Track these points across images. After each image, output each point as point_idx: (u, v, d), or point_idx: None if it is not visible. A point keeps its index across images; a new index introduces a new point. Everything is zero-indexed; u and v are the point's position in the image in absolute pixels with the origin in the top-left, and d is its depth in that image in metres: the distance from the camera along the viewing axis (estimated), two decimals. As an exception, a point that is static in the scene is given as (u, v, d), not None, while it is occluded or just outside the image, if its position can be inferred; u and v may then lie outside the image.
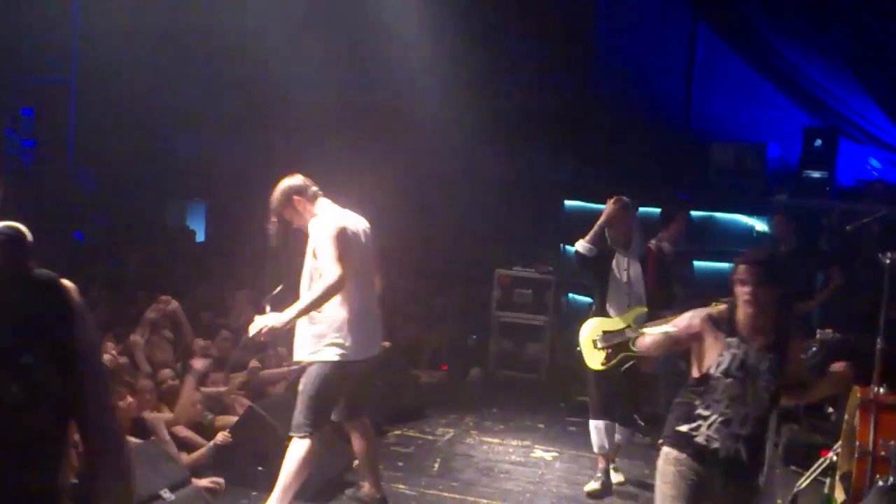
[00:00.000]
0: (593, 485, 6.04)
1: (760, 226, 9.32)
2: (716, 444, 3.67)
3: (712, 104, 10.17)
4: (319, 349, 4.91)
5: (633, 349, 5.41)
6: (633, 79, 10.45)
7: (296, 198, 4.98)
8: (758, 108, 9.90)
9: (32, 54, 12.03)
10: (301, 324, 4.90)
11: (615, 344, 5.65)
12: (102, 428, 2.20)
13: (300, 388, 4.98)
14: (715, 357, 3.71)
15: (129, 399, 5.48)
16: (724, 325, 3.74)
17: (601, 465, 6.07)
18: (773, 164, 9.59)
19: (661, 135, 10.12)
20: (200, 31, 11.22)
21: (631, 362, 5.66)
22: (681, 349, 4.03)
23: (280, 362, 7.20)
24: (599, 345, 5.73)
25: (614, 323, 5.76)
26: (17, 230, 2.19)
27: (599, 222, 5.92)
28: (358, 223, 5.14)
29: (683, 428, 3.77)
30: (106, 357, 5.67)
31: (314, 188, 5.06)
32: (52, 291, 2.11)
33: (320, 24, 10.88)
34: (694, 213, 9.37)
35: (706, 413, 3.71)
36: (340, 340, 4.90)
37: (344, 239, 4.84)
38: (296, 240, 5.18)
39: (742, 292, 3.67)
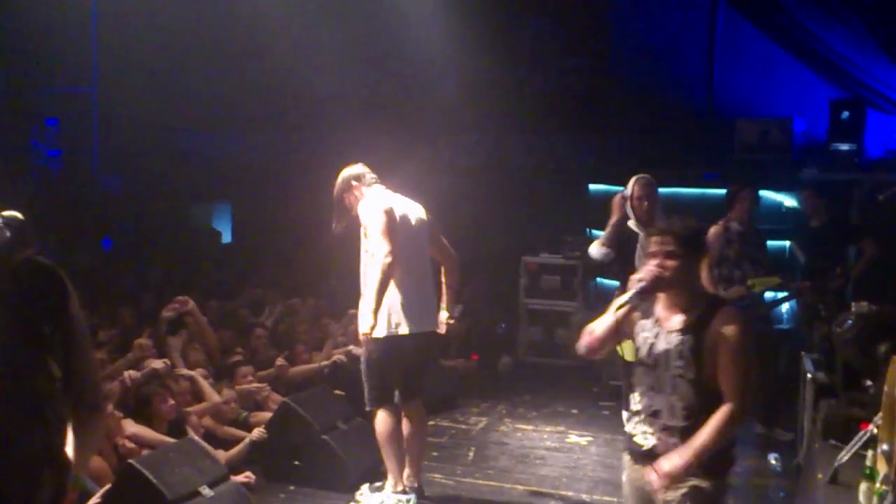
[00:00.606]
0: None
1: (789, 201, 9.21)
2: (651, 441, 3.38)
3: (735, 80, 10.04)
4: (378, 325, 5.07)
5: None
6: (654, 59, 10.34)
7: (354, 183, 5.24)
8: (782, 82, 9.76)
9: (53, 64, 12.14)
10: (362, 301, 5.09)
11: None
12: (89, 385, 2.50)
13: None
14: (635, 343, 3.43)
15: (171, 401, 5.52)
16: (646, 305, 3.41)
17: None
18: (799, 138, 9.45)
19: (684, 114, 10.02)
20: (218, 34, 11.27)
21: None
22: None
23: (309, 359, 7.23)
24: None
25: None
26: (19, 219, 2.45)
27: (611, 222, 5.87)
28: (410, 207, 5.33)
29: (627, 427, 3.51)
30: (157, 364, 5.74)
31: (371, 175, 5.32)
32: (52, 274, 2.43)
33: (337, 19, 10.87)
34: (721, 190, 9.32)
35: (637, 407, 3.45)
36: (388, 317, 5.05)
37: (389, 218, 5.05)
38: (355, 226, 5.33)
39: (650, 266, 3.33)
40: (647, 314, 3.41)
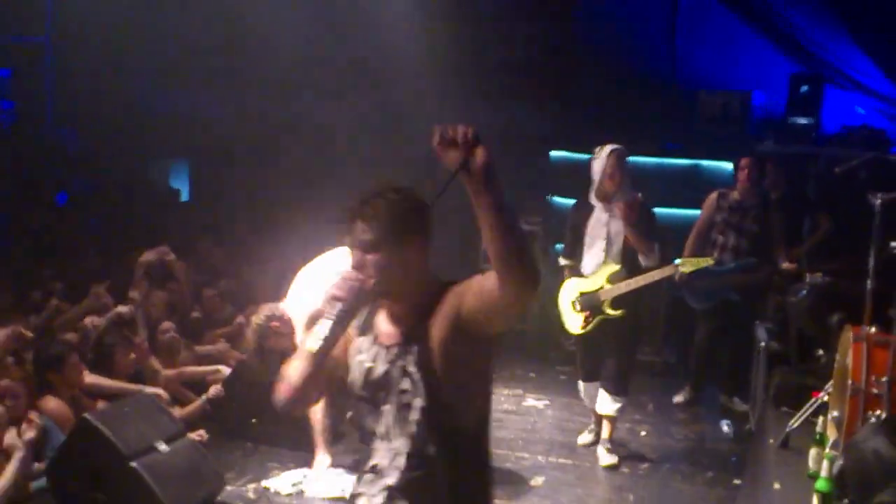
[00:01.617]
0: (586, 436, 6.03)
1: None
2: None
3: (698, 52, 10.07)
4: None
5: (610, 311, 5.43)
6: (617, 28, 10.33)
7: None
8: (744, 55, 9.81)
9: (6, 12, 11.80)
10: None
11: (591, 306, 5.50)
12: None
13: None
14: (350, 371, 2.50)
15: (132, 354, 5.49)
16: (363, 317, 2.50)
17: (593, 416, 5.99)
18: (758, 111, 9.57)
19: (647, 84, 10.04)
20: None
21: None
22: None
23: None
24: (577, 307, 5.57)
25: (590, 283, 5.56)
26: None
27: (570, 225, 5.74)
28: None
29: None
30: (122, 309, 5.71)
31: None
32: None
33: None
34: (680, 160, 9.39)
35: (369, 459, 2.47)
36: None
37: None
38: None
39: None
40: (365, 329, 2.50)
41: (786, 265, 6.96)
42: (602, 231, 5.53)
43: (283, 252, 8.31)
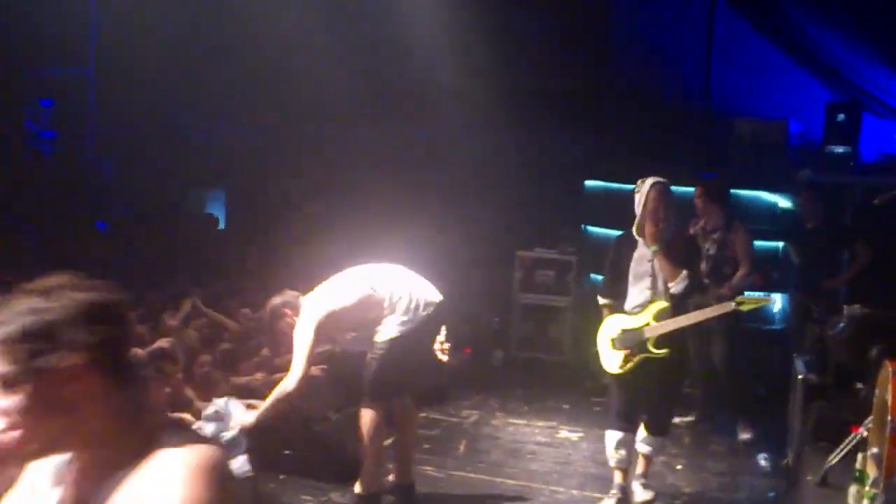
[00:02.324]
0: (607, 502, 5.46)
1: (784, 202, 9.24)
2: None
3: (733, 80, 10.05)
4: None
5: (654, 349, 5.12)
6: (652, 56, 10.35)
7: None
8: (779, 83, 9.77)
9: (51, 44, 12.05)
10: None
11: (634, 344, 5.17)
12: None
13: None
14: None
15: (167, 389, 5.53)
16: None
17: (616, 479, 5.45)
18: (795, 139, 9.49)
19: (681, 112, 10.03)
20: (217, 20, 11.22)
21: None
22: None
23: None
24: (617, 346, 5.23)
25: (633, 321, 5.22)
26: None
27: (611, 261, 5.45)
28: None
29: None
30: (164, 342, 5.77)
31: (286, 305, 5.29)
32: None
33: (335, 8, 10.84)
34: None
35: None
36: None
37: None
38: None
39: None
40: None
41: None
42: (647, 267, 5.23)
43: (318, 277, 8.37)
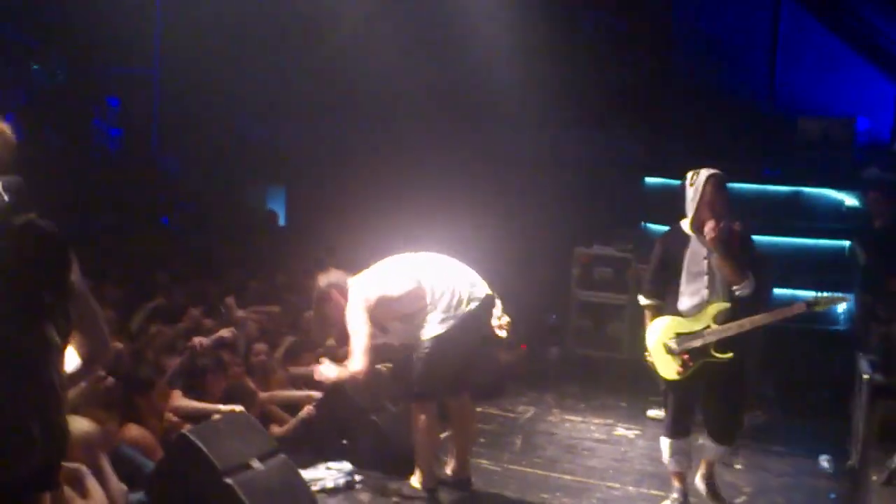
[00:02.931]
0: None
1: (850, 200, 9.05)
2: None
3: (798, 77, 9.88)
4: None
5: (717, 354, 4.80)
6: (714, 52, 10.23)
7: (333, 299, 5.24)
8: (846, 79, 9.59)
9: (117, 44, 12.33)
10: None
11: (693, 349, 4.83)
12: (93, 338, 2.58)
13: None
14: None
15: (225, 378, 5.60)
16: None
17: (675, 484, 5.22)
18: (862, 137, 9.30)
19: (744, 109, 9.89)
20: (280, 19, 11.36)
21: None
22: None
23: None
24: (675, 349, 4.90)
25: (690, 323, 4.89)
26: (19, 181, 2.43)
27: (658, 258, 5.11)
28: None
29: None
30: (226, 332, 5.87)
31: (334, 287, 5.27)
32: (54, 240, 2.42)
33: (400, 8, 10.91)
34: (781, 187, 9.18)
35: None
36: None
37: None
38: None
39: None
40: None
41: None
42: (703, 265, 4.88)
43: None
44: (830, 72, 9.68)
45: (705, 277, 4.87)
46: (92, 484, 4.12)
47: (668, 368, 4.97)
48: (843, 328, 8.55)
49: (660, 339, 4.97)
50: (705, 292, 4.86)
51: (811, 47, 9.87)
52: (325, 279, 5.24)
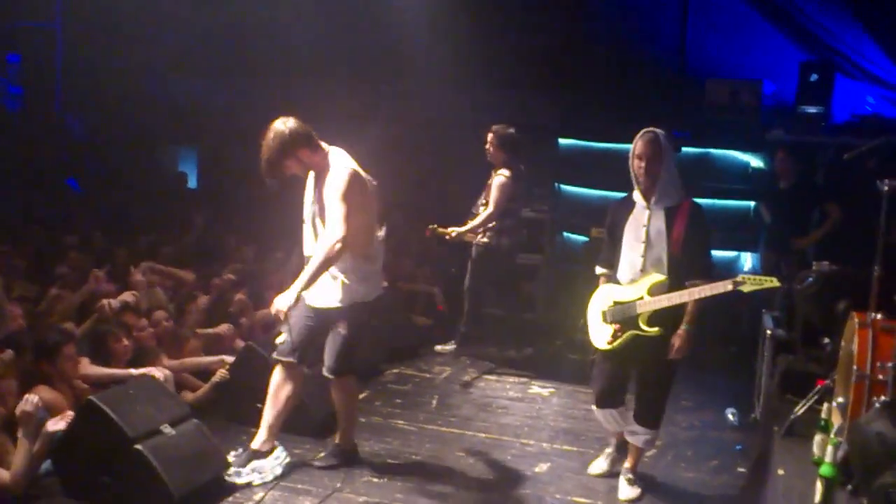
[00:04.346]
0: (601, 463, 5.34)
1: (756, 162, 9.28)
2: None
3: (707, 40, 10.03)
4: (339, 294, 4.85)
5: (645, 327, 4.65)
6: (627, 16, 10.31)
7: (302, 150, 4.75)
8: (754, 44, 9.77)
9: (17, -3, 11.83)
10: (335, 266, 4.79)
11: (624, 318, 4.70)
12: None
13: (331, 333, 4.97)
14: None
15: (125, 342, 5.49)
16: None
17: (611, 440, 5.33)
18: (768, 100, 9.52)
19: (655, 72, 10.02)
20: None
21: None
22: None
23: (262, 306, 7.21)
24: (608, 319, 4.78)
25: (628, 293, 4.72)
26: None
27: (607, 226, 4.91)
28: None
29: None
30: (127, 296, 5.74)
31: (312, 132, 4.83)
32: None
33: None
34: (690, 149, 9.35)
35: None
36: (355, 284, 4.87)
37: (354, 192, 4.70)
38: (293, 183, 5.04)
39: None
40: None
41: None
42: (641, 233, 4.68)
43: (286, 238, 8.33)
44: (738, 36, 9.85)
45: (641, 245, 4.68)
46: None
47: (600, 337, 4.87)
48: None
49: (598, 307, 4.87)
50: (640, 261, 4.68)
51: (721, 12, 10.01)
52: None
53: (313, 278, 4.65)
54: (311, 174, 4.92)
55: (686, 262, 4.60)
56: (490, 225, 7.29)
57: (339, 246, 4.60)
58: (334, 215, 4.64)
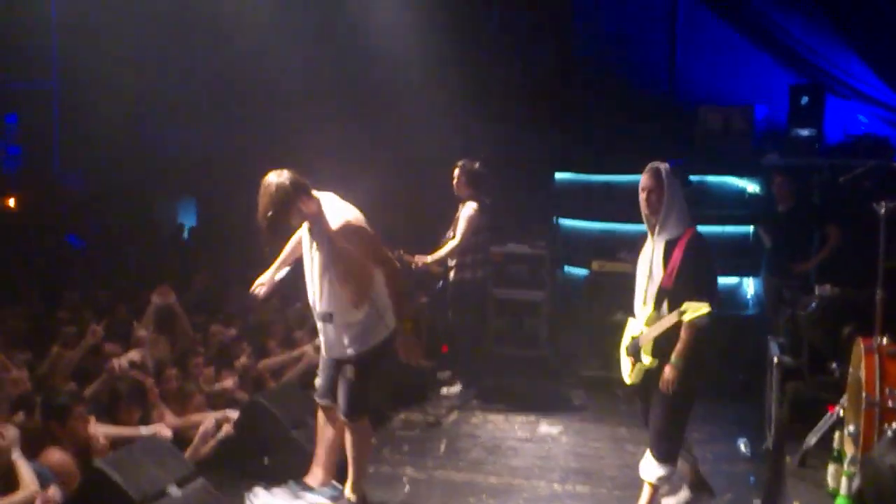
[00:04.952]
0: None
1: (752, 186, 9.29)
2: None
3: (697, 67, 10.10)
4: (347, 342, 4.91)
5: (643, 360, 4.72)
6: (616, 46, 10.39)
7: (303, 200, 4.71)
8: (743, 68, 9.84)
9: (12, 58, 11.91)
10: (343, 319, 4.86)
11: (636, 352, 4.78)
12: None
13: (341, 378, 5.00)
14: None
15: (141, 400, 5.44)
16: None
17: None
18: (761, 124, 9.56)
19: (646, 101, 10.07)
20: (181, 29, 11.13)
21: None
22: None
23: (276, 352, 7.18)
24: (628, 353, 4.88)
25: (637, 326, 4.84)
26: None
27: None
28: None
29: None
30: (134, 355, 5.70)
31: (306, 181, 4.79)
32: None
33: (301, 11, 10.80)
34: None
35: None
36: (361, 329, 4.89)
37: (350, 237, 4.75)
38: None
39: None
40: None
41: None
42: (645, 267, 4.80)
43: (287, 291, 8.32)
44: (727, 61, 9.92)
45: (645, 279, 4.79)
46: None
47: (624, 370, 4.95)
48: (752, 313, 8.78)
49: (623, 343, 4.95)
50: (642, 295, 4.80)
51: (709, 38, 10.09)
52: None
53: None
54: (305, 225, 4.91)
55: (680, 293, 4.57)
56: (464, 260, 7.53)
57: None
58: (365, 245, 4.78)
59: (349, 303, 4.82)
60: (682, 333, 4.58)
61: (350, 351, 4.91)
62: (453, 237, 7.50)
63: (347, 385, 4.96)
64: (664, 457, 4.83)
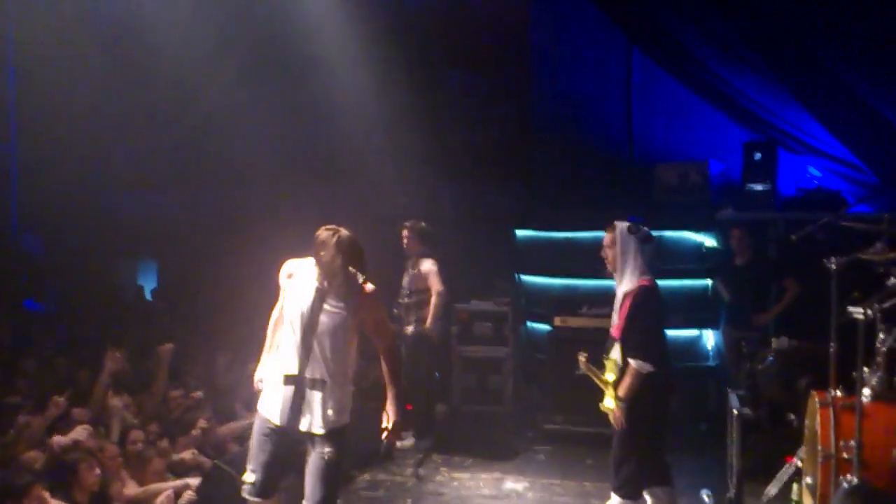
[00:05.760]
0: None
1: (709, 241, 9.45)
2: None
3: (653, 125, 10.32)
4: (321, 418, 4.47)
5: (604, 405, 5.17)
6: (574, 107, 10.58)
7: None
8: (698, 126, 10.06)
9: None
10: (334, 389, 4.48)
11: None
12: None
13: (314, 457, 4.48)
14: None
15: (97, 471, 5.29)
16: None
17: None
18: (716, 179, 9.75)
19: (605, 158, 10.25)
20: (141, 92, 11.16)
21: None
22: None
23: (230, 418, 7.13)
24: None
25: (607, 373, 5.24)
26: None
27: None
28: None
29: None
30: (79, 432, 5.55)
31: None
32: None
33: (261, 76, 10.91)
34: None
35: None
36: (338, 406, 4.54)
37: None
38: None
39: None
40: None
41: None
42: (614, 315, 5.25)
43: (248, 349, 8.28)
44: (683, 119, 10.14)
45: (614, 327, 5.21)
46: None
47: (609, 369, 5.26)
48: (713, 364, 8.87)
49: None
50: (611, 341, 5.20)
51: (664, 97, 10.32)
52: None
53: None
54: (307, 284, 4.67)
55: (624, 343, 5.02)
56: (422, 314, 7.94)
57: None
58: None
59: (344, 373, 4.57)
60: (626, 377, 5.00)
61: (333, 424, 4.44)
62: (409, 295, 8.01)
63: (325, 466, 4.42)
64: (622, 485, 5.08)
